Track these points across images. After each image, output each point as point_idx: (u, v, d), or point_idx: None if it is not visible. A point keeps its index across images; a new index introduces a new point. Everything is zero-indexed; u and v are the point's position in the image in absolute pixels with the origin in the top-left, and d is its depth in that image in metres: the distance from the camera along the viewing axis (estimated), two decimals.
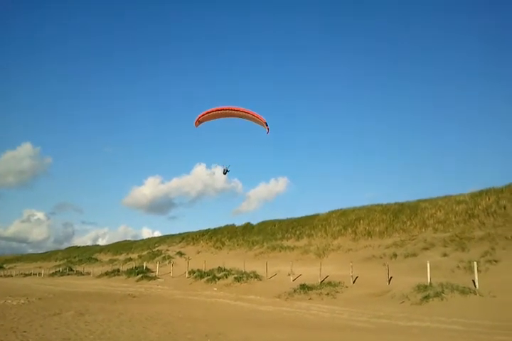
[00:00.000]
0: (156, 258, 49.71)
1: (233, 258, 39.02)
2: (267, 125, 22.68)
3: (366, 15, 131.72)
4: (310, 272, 27.10)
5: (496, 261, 22.02)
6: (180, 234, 60.97)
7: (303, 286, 24.25)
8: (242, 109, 22.78)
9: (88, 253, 74.15)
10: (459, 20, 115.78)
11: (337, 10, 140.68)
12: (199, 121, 23.93)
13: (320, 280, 25.04)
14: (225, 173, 23.84)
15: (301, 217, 46.35)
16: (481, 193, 31.94)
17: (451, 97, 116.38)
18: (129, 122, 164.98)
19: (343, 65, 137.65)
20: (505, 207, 28.11)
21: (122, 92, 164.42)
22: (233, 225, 54.37)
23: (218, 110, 22.98)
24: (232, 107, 22.91)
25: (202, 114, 23.53)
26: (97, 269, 50.78)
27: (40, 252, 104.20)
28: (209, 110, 23.28)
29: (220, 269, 33.77)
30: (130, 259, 55.98)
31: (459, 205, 31.66)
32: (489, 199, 30.17)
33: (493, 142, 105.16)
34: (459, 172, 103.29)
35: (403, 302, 18.99)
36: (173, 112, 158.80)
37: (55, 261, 75.92)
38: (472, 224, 28.38)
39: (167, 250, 54.31)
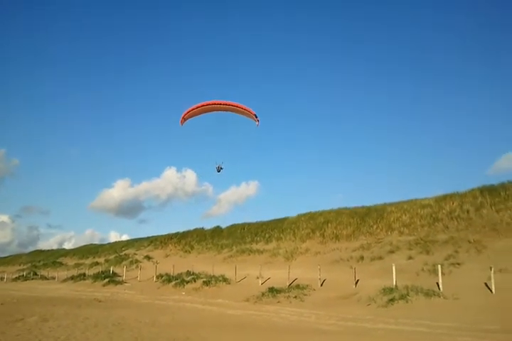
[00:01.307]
0: (124, 262, 48.83)
1: (202, 262, 38.79)
2: (256, 117, 22.07)
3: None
4: (278, 275, 27.21)
5: (459, 264, 22.56)
6: (148, 238, 60.08)
7: (271, 289, 24.36)
8: (229, 102, 21.98)
9: (53, 257, 72.22)
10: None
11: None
12: (184, 119, 22.94)
13: (288, 284, 25.18)
14: (219, 171, 22.91)
15: (271, 221, 46.32)
16: (445, 197, 32.64)
17: (421, 97, 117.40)
18: (98, 125, 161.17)
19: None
20: (468, 211, 28.82)
21: (94, 97, 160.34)
22: (202, 229, 53.88)
23: (204, 105, 22.05)
24: (219, 101, 22.07)
25: (187, 110, 22.60)
26: (62, 273, 49.61)
27: (2, 256, 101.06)
28: (194, 106, 22.32)
29: (188, 273, 33.55)
30: (96, 263, 54.77)
31: (424, 209, 32.28)
32: (453, 203, 30.87)
33: (459, 148, 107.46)
34: (424, 176, 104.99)
35: (369, 304, 19.31)
36: (143, 116, 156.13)
37: (19, 265, 73.70)
38: (436, 227, 28.99)
39: (135, 254, 53.47)
